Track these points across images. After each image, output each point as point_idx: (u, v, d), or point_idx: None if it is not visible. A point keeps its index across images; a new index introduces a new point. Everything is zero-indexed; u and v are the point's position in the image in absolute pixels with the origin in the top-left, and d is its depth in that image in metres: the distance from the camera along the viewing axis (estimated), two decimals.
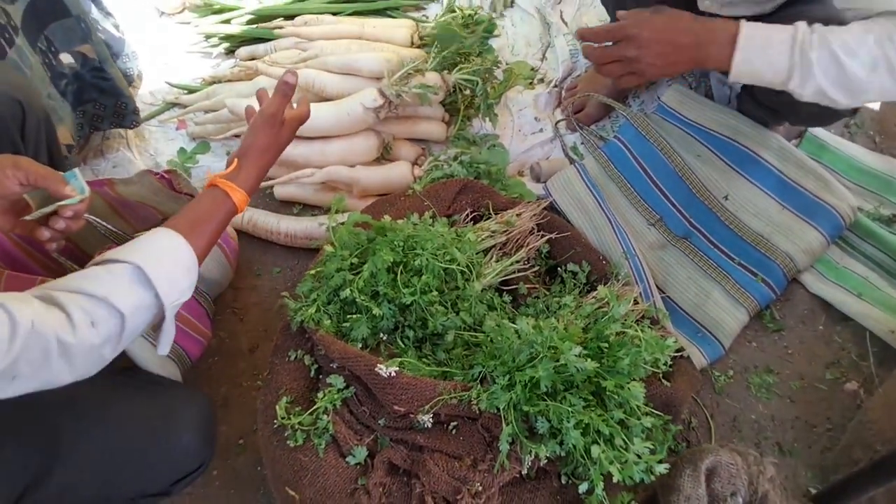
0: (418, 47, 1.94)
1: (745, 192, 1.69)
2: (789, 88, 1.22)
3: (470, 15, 2.02)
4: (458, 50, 1.87)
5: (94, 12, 1.78)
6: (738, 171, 1.71)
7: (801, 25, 1.19)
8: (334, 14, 2.05)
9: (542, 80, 2.06)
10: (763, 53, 1.20)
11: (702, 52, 1.25)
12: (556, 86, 2.02)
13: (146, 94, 2.02)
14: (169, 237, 0.98)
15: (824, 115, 1.54)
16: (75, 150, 1.68)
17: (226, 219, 1.09)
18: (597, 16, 2.14)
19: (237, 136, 1.78)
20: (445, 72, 1.76)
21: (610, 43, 1.33)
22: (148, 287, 0.91)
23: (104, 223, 1.10)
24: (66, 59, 1.65)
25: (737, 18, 1.46)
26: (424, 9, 2.22)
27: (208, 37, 2.11)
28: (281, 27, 1.99)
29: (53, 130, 1.30)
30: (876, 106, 1.94)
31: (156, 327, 0.96)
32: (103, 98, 1.75)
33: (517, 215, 1.50)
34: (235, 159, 1.15)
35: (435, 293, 1.26)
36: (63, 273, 1.04)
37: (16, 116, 1.17)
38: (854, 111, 1.50)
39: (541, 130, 1.95)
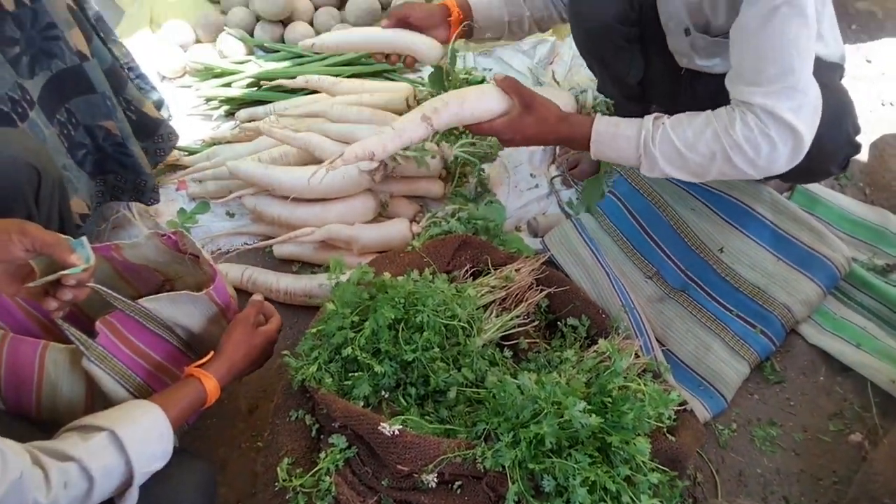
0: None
1: (740, 244, 1.71)
2: (641, 172, 1.41)
3: (465, 78, 2.08)
4: None
5: (132, 90, 1.78)
6: (732, 224, 1.74)
7: (648, 122, 1.37)
8: (334, 76, 2.10)
9: None
10: (613, 147, 1.40)
11: (566, 143, 1.54)
12: None
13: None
14: (144, 407, 1.04)
15: (813, 173, 1.59)
16: (90, 218, 1.69)
17: (197, 401, 1.15)
18: (588, 75, 2.20)
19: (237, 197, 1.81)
20: (445, 143, 1.79)
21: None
22: (121, 452, 0.95)
23: (108, 290, 1.11)
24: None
25: (712, 75, 1.54)
26: (420, 71, 2.27)
27: (209, 100, 2.15)
28: (282, 88, 2.04)
29: (66, 196, 1.32)
30: (864, 157, 1.99)
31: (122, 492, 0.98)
32: (124, 172, 1.77)
33: (516, 270, 1.51)
34: (211, 352, 1.23)
35: (437, 349, 1.26)
36: (64, 338, 1.04)
37: (31, 181, 1.20)
38: (844, 167, 1.55)
39: (536, 186, 1.98)
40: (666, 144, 1.34)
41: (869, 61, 2.31)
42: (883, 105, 2.15)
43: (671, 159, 1.35)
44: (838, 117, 1.42)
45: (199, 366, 1.19)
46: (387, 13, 2.17)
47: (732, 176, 1.35)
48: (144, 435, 0.99)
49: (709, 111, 1.34)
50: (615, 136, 1.39)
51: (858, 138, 1.50)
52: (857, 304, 1.70)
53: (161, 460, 1.01)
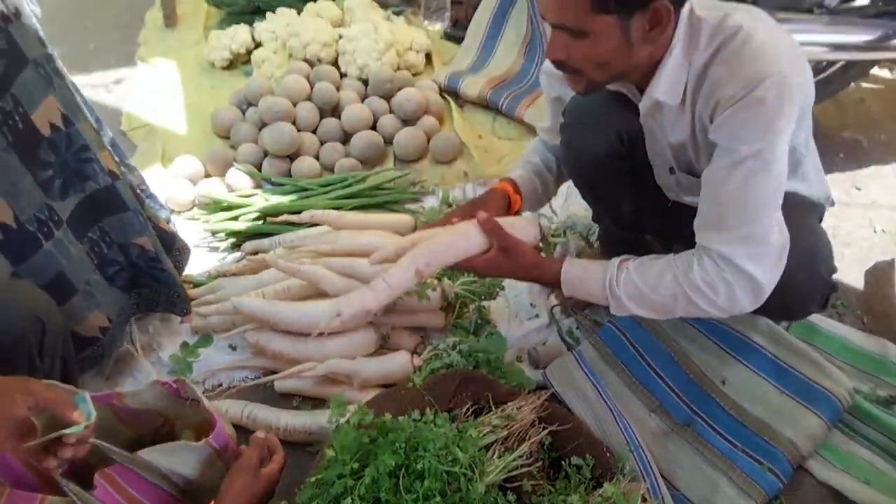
0: None
1: (742, 376, 1.71)
2: (610, 311, 1.47)
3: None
4: None
5: (149, 208, 1.85)
6: (732, 355, 1.74)
7: (613, 265, 1.45)
8: (337, 209, 2.17)
9: None
10: (581, 288, 1.49)
11: (538, 281, 1.62)
12: None
13: None
14: None
15: (793, 312, 1.63)
16: (109, 331, 1.72)
17: None
18: (583, 206, 2.27)
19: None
20: (447, 280, 1.83)
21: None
22: None
23: (108, 445, 1.11)
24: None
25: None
26: (421, 201, 2.35)
27: (215, 233, 2.21)
28: (289, 223, 2.10)
29: (70, 345, 1.34)
30: (860, 284, 2.02)
31: None
32: (158, 286, 1.82)
33: (518, 408, 1.50)
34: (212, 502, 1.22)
35: (438, 498, 1.23)
36: (63, 493, 1.02)
37: (36, 333, 1.22)
38: (823, 306, 1.59)
39: (536, 316, 2.00)
40: (630, 286, 1.42)
41: (858, 189, 2.39)
42: (875, 232, 2.20)
43: (636, 299, 1.43)
44: (811, 260, 1.47)
45: None
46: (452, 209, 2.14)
47: (699, 314, 1.41)
48: None
49: (670, 255, 1.43)
50: (583, 279, 1.48)
51: (837, 275, 1.55)
52: (863, 438, 1.67)
53: None
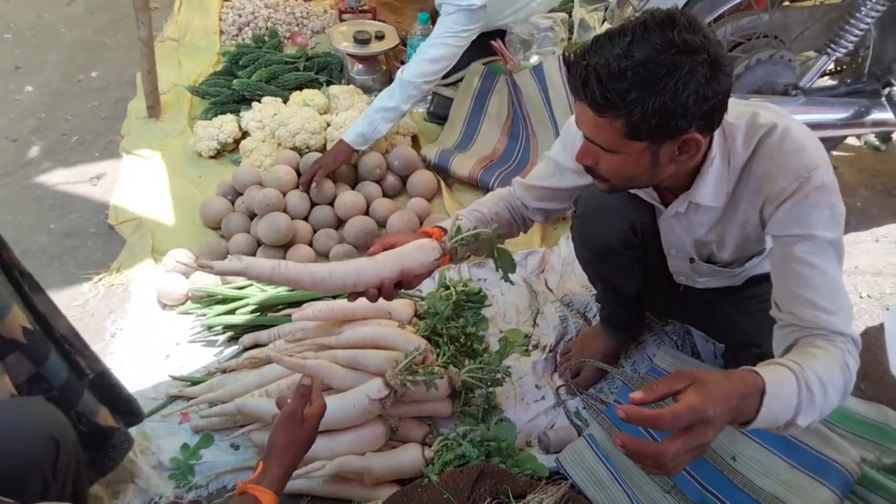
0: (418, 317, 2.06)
1: (751, 451, 1.72)
2: (795, 424, 1.16)
3: (463, 291, 2.16)
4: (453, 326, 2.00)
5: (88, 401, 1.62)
6: (740, 430, 1.75)
7: (791, 362, 1.18)
8: (334, 297, 2.16)
9: (536, 346, 2.15)
10: (780, 396, 1.12)
11: (738, 415, 1.10)
12: (550, 351, 2.12)
13: (149, 389, 2.03)
14: None
15: None
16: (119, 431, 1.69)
17: None
18: (578, 282, 2.31)
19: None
20: (453, 367, 1.83)
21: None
22: None
23: None
24: None
25: (710, 289, 1.63)
26: None
27: (211, 327, 2.18)
28: (288, 315, 2.08)
29: (82, 466, 1.30)
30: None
31: None
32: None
33: (539, 502, 1.49)
34: (261, 462, 1.28)
35: None
36: None
37: (50, 453, 1.20)
38: None
39: (543, 398, 2.00)
40: (815, 382, 1.15)
41: None
42: (861, 298, 2.27)
43: (821, 400, 1.16)
44: None
45: (252, 481, 1.23)
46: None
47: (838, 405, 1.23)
48: None
49: (817, 345, 1.24)
50: (781, 384, 1.14)
51: None
52: None
53: None
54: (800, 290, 1.30)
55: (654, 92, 1.16)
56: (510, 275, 1.62)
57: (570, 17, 3.13)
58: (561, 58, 2.68)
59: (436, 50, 2.53)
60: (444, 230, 1.59)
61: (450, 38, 2.53)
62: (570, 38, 3.06)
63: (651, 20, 1.18)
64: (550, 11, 3.06)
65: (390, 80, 2.81)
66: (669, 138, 1.24)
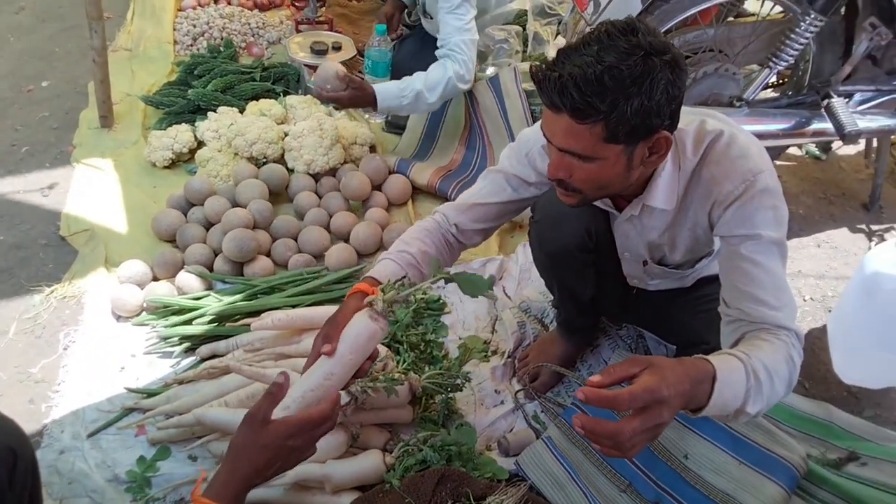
0: None
1: (702, 449, 1.77)
2: (745, 412, 1.20)
3: (422, 299, 2.18)
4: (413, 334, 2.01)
5: None
6: (690, 427, 1.81)
7: (739, 352, 1.22)
8: (294, 307, 2.16)
9: (494, 352, 2.19)
10: (730, 383, 1.16)
11: (691, 399, 1.13)
12: (509, 357, 2.15)
13: (104, 402, 1.99)
14: None
15: None
16: None
17: None
18: (536, 289, 2.35)
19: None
20: (413, 374, 1.85)
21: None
22: None
23: None
24: None
25: (658, 291, 1.69)
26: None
27: (167, 338, 2.15)
28: (246, 325, 2.07)
29: (38, 476, 1.28)
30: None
31: None
32: None
33: (500, 503, 1.51)
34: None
35: None
36: None
37: (7, 463, 1.17)
38: None
39: (502, 403, 2.03)
40: (761, 370, 1.20)
41: None
42: (805, 300, 2.36)
43: (768, 388, 1.22)
44: None
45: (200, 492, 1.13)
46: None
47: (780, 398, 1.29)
48: None
49: (762, 337, 1.30)
50: (731, 371, 1.18)
51: None
52: (820, 502, 1.75)
53: None
54: (746, 286, 1.36)
55: (632, 93, 1.21)
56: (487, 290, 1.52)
57: (525, 30, 3.20)
58: (520, 73, 2.74)
59: (471, 49, 2.66)
60: (377, 281, 1.50)
61: (468, 33, 2.66)
62: (524, 51, 3.12)
63: (612, 28, 1.24)
64: (505, 24, 3.13)
65: None
66: (644, 138, 1.29)
